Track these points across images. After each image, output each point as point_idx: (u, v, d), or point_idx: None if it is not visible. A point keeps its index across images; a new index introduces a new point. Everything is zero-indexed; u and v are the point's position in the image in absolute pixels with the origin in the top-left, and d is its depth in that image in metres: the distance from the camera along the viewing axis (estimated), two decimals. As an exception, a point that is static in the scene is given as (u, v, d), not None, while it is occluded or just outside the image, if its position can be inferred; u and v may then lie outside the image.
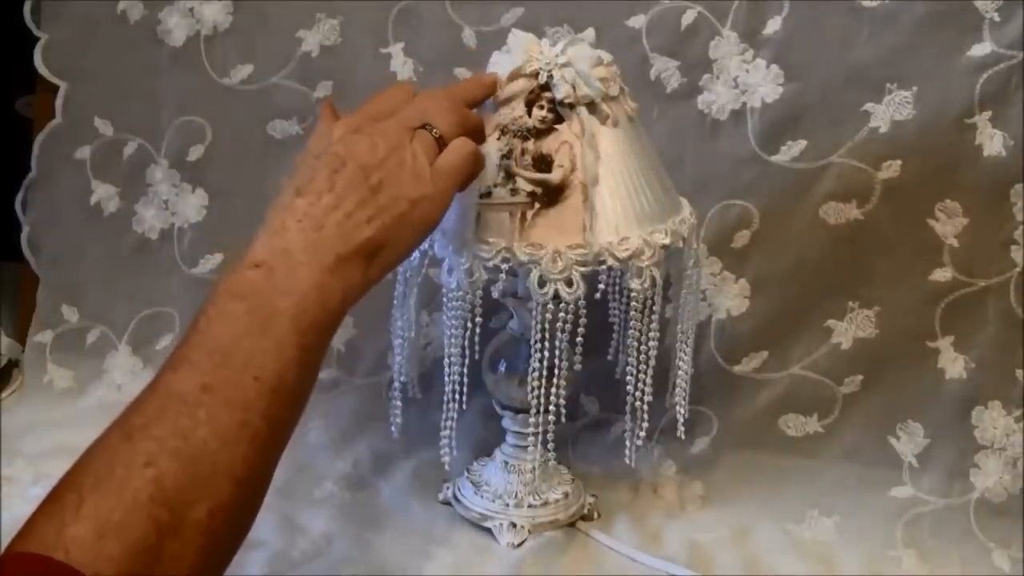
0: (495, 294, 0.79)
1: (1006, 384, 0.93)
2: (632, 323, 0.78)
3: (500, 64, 0.78)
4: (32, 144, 1.06)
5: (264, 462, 0.54)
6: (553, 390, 0.79)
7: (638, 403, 0.81)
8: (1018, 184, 0.91)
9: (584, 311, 0.76)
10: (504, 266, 0.75)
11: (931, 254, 0.93)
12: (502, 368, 0.87)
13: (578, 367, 0.83)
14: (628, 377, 0.81)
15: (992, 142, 0.90)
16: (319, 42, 1.00)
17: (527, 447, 0.83)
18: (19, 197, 1.08)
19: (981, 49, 0.89)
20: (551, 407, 0.80)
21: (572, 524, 0.89)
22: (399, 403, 0.86)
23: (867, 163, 0.93)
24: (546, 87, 0.76)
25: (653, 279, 0.77)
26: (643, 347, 0.80)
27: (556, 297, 0.75)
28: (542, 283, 0.75)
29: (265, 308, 0.56)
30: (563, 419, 0.81)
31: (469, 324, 0.78)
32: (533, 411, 0.80)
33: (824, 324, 0.96)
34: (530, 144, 0.75)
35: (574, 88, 0.75)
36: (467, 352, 0.79)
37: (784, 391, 0.97)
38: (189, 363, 0.54)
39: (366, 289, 0.61)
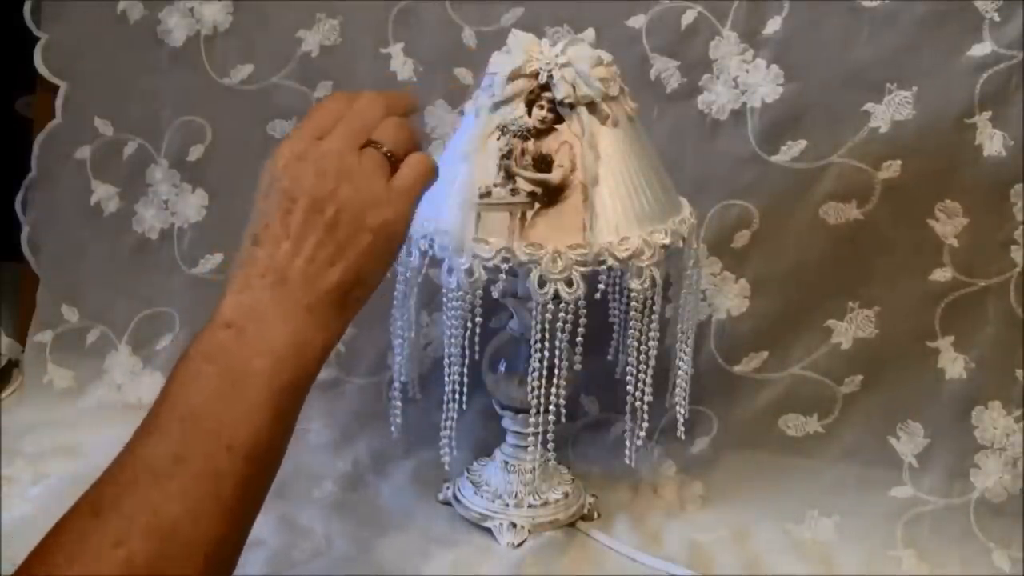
0: (495, 294, 0.79)
1: (1006, 384, 0.93)
2: (632, 323, 0.78)
3: (500, 64, 0.78)
4: (32, 144, 1.06)
5: (236, 533, 0.53)
6: (553, 390, 0.79)
7: (638, 403, 0.81)
8: (1018, 184, 0.91)
9: (584, 311, 0.76)
10: (504, 266, 0.75)
11: (931, 254, 0.93)
12: (502, 368, 0.87)
13: (578, 367, 0.83)
14: (628, 377, 0.81)
15: (992, 142, 0.91)
16: (319, 42, 1.00)
17: (527, 447, 0.83)
18: (19, 197, 1.08)
19: (981, 49, 0.89)
20: (551, 407, 0.80)
21: (572, 524, 0.89)
22: (399, 403, 0.86)
23: (867, 163, 0.93)
24: (546, 87, 0.76)
25: (653, 279, 0.77)
26: (643, 347, 0.80)
27: (556, 297, 0.75)
28: (542, 283, 0.75)
29: (237, 370, 0.54)
30: (563, 419, 0.81)
31: (469, 324, 0.78)
32: (533, 411, 0.80)
33: (824, 324, 0.96)
34: (530, 144, 0.75)
35: (574, 88, 0.75)
36: (467, 352, 0.80)
37: (784, 391, 0.97)
38: (160, 432, 0.52)
39: (342, 333, 0.59)
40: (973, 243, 0.92)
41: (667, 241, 0.78)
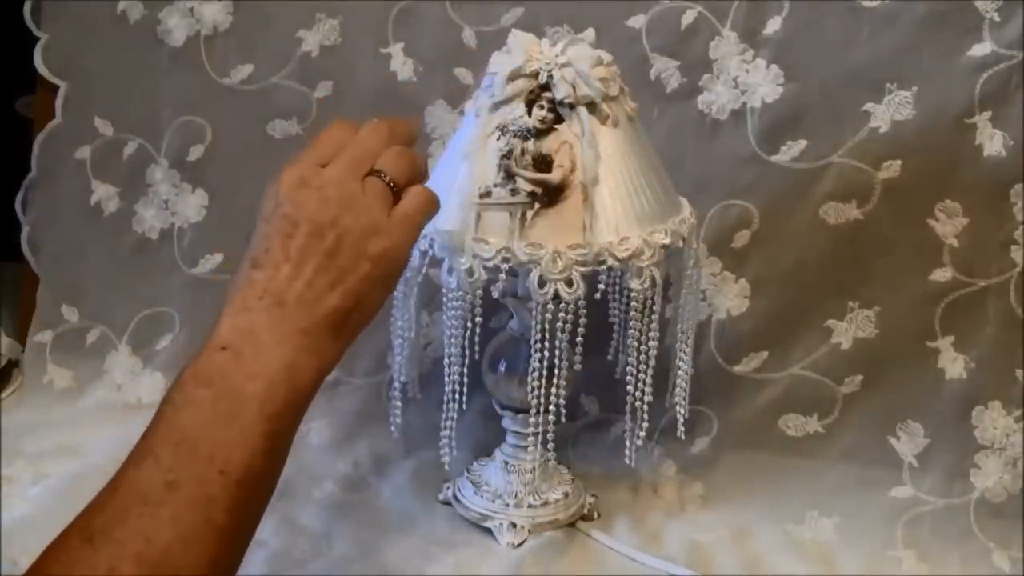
0: (495, 294, 0.79)
1: (1006, 384, 0.93)
2: (632, 323, 0.78)
3: (500, 64, 0.78)
4: (32, 144, 1.06)
5: (229, 558, 0.53)
6: (553, 390, 0.79)
7: (638, 403, 0.81)
8: (1018, 184, 0.91)
9: (584, 311, 0.76)
10: (504, 266, 0.75)
11: (931, 254, 0.93)
12: (502, 368, 0.87)
13: (578, 367, 0.83)
14: (628, 377, 0.81)
15: (992, 142, 0.91)
16: (319, 42, 1.00)
17: (527, 447, 0.83)
18: (19, 197, 1.08)
19: (981, 49, 0.89)
20: (551, 407, 0.80)
21: (572, 524, 0.89)
22: (399, 403, 0.86)
23: (867, 163, 0.93)
24: (546, 87, 0.76)
25: (653, 279, 0.77)
26: (643, 347, 0.80)
27: (556, 297, 0.75)
28: (542, 283, 0.75)
29: (231, 395, 0.54)
30: (563, 419, 0.81)
31: (469, 324, 0.78)
32: (533, 411, 0.80)
33: (824, 324, 0.96)
34: (530, 144, 0.75)
35: (574, 88, 0.75)
36: (467, 352, 0.80)
37: (784, 391, 0.97)
38: (154, 457, 0.52)
39: (338, 359, 0.59)
40: (973, 243, 0.92)
41: (667, 241, 0.78)
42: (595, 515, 0.91)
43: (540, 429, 0.81)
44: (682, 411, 0.86)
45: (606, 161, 0.76)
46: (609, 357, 0.94)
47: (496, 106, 0.77)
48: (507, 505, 0.88)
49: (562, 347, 0.78)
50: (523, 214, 0.75)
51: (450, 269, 0.77)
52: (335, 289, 0.58)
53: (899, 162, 0.92)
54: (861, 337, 0.96)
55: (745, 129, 0.94)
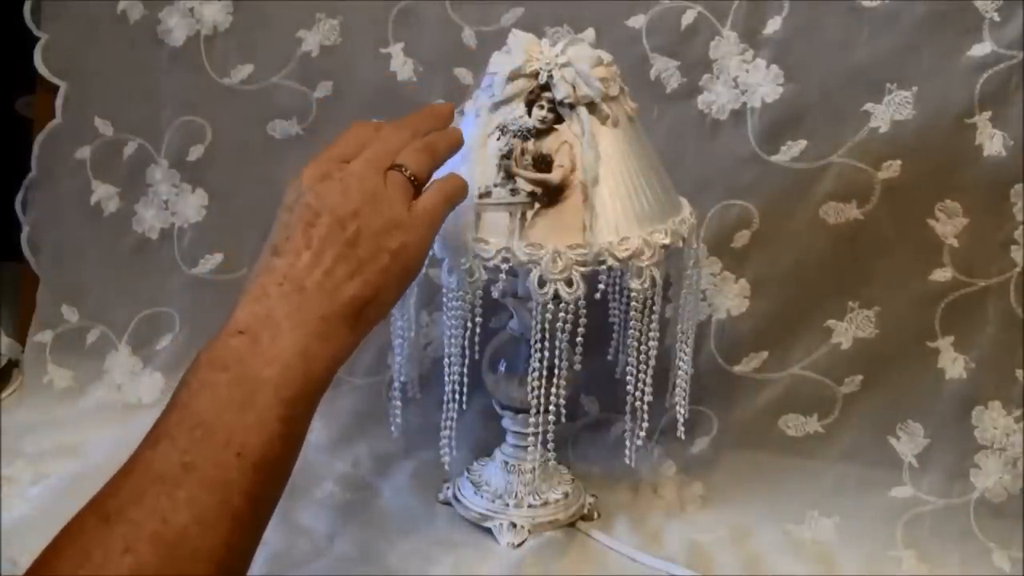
0: (495, 294, 0.79)
1: (1006, 384, 0.93)
2: (632, 323, 0.78)
3: (500, 64, 0.78)
4: (32, 144, 1.06)
5: (245, 542, 0.53)
6: (553, 390, 0.79)
7: (638, 403, 0.81)
8: (1018, 184, 0.91)
9: (584, 311, 0.76)
10: (504, 266, 0.75)
11: (931, 254, 0.93)
12: (502, 368, 0.87)
13: (578, 367, 0.83)
14: (628, 377, 0.81)
15: (992, 142, 0.91)
16: (319, 42, 1.00)
17: (527, 447, 0.83)
18: (19, 197, 1.08)
19: (981, 49, 0.89)
20: (551, 407, 0.80)
21: (572, 524, 0.89)
22: (399, 403, 0.86)
23: (867, 163, 0.93)
24: (546, 87, 0.76)
25: (653, 279, 0.77)
26: (643, 347, 0.80)
27: (556, 297, 0.75)
28: (542, 283, 0.75)
29: (248, 379, 0.54)
30: (563, 419, 0.81)
31: (469, 324, 0.78)
32: (533, 411, 0.80)
33: (824, 324, 0.96)
34: (530, 144, 0.75)
35: (574, 88, 0.75)
36: (467, 352, 0.79)
37: (784, 391, 0.97)
38: (170, 439, 0.52)
39: (352, 349, 0.59)
40: (973, 243, 0.92)
41: (667, 241, 0.78)
42: (595, 515, 0.91)
43: (540, 429, 0.81)
44: (682, 411, 0.86)
45: (606, 161, 0.76)
46: (609, 357, 0.94)
47: (496, 106, 0.77)
48: (507, 505, 0.88)
49: (562, 347, 0.78)
50: (523, 214, 0.75)
51: (450, 269, 0.77)
52: (354, 279, 0.59)
53: (899, 162, 0.92)
54: (861, 337, 0.96)
55: (745, 129, 0.94)
